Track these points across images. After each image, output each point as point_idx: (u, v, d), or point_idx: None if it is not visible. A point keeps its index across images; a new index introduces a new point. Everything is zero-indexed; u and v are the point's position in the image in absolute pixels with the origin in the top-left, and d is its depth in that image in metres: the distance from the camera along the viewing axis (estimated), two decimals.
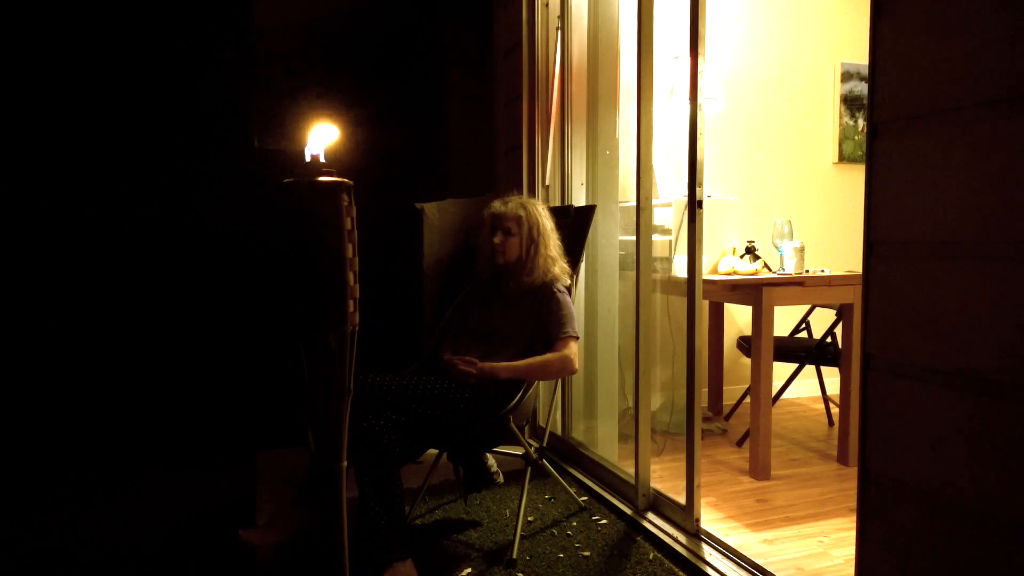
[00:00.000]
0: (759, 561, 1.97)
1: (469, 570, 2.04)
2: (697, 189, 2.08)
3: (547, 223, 2.40)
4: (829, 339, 3.17)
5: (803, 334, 3.63)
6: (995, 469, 1.06)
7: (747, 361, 3.67)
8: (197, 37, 3.26)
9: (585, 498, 2.55)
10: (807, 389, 3.94)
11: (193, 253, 3.27)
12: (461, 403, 2.12)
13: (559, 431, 3.09)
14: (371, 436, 1.94)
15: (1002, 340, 1.04)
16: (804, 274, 2.92)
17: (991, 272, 1.06)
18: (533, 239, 2.34)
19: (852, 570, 1.34)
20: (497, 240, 2.33)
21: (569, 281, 2.45)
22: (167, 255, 3.24)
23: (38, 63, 3.05)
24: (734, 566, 1.96)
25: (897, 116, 1.20)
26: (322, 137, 1.34)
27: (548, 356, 2.25)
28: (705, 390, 3.77)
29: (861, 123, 4.08)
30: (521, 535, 2.22)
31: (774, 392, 3.04)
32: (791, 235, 3.05)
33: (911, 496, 1.20)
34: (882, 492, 1.25)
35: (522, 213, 2.35)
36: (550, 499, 2.57)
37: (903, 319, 1.20)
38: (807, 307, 3.60)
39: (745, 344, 3.49)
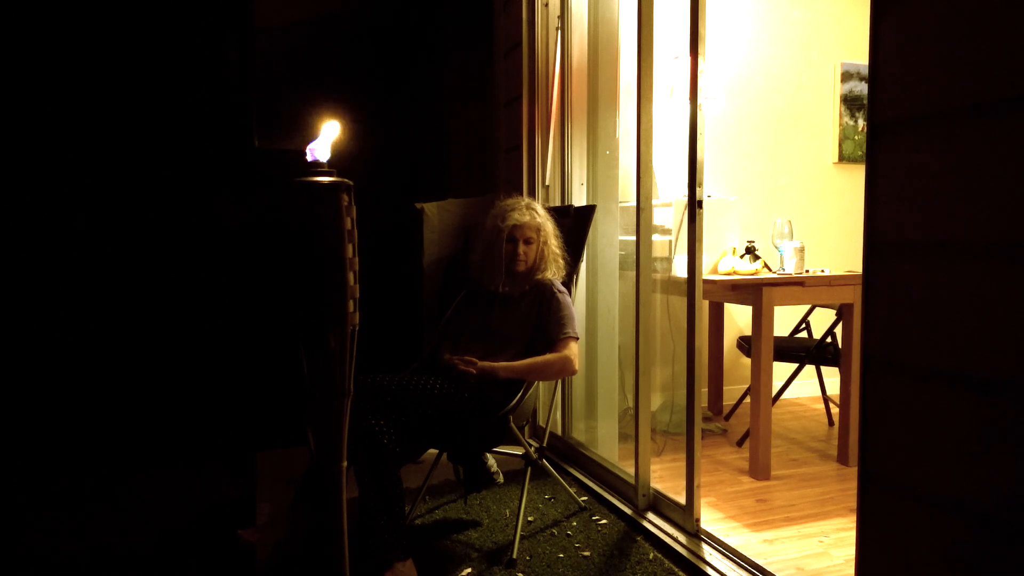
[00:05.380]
0: (759, 561, 1.97)
1: (469, 570, 2.04)
2: (697, 189, 2.08)
3: (552, 224, 2.44)
4: (829, 339, 3.17)
5: (803, 334, 3.63)
6: (995, 469, 1.06)
7: (747, 361, 3.67)
8: (198, 37, 3.26)
9: (585, 498, 2.55)
10: (807, 389, 3.94)
11: (193, 253, 3.28)
12: (461, 403, 2.12)
13: (559, 431, 3.09)
14: (371, 436, 1.94)
15: (1002, 340, 1.04)
16: (804, 274, 2.92)
17: (991, 272, 1.06)
18: (547, 242, 2.40)
19: (852, 570, 1.34)
20: (521, 251, 2.35)
21: (570, 280, 2.46)
22: (167, 254, 3.24)
23: (40, 63, 3.05)
24: (734, 566, 1.96)
25: (897, 116, 1.20)
26: (327, 137, 1.34)
27: (548, 356, 2.25)
28: (705, 390, 3.77)
29: (861, 123, 4.08)
30: (521, 535, 2.22)
31: (774, 392, 3.04)
32: (791, 235, 3.05)
33: (911, 496, 1.20)
34: (882, 492, 1.25)
35: (540, 220, 2.39)
36: (550, 499, 2.57)
37: (903, 319, 1.20)
38: (807, 307, 3.60)
39: (745, 344, 3.49)
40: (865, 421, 1.28)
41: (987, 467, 1.07)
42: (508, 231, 2.35)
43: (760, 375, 2.76)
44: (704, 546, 2.09)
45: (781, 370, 3.18)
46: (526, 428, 2.92)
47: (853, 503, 1.34)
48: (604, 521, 2.36)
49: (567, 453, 2.97)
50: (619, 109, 3.00)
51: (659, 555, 2.11)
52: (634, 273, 2.37)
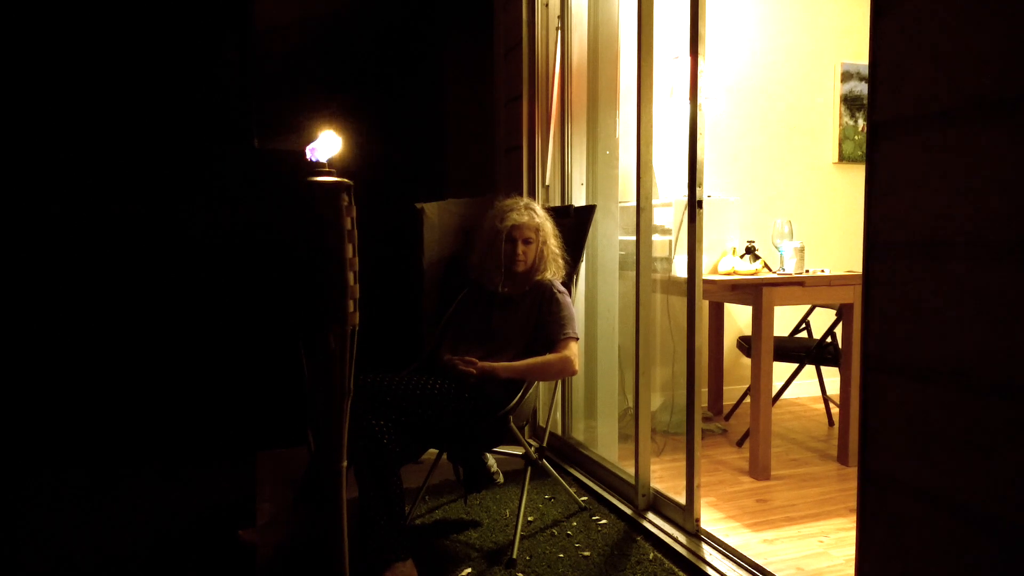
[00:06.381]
0: (759, 561, 1.97)
1: (469, 570, 2.04)
2: (697, 189, 2.08)
3: (551, 224, 2.44)
4: (829, 339, 3.17)
5: (803, 334, 3.63)
6: (995, 469, 1.06)
7: (747, 361, 3.67)
8: (197, 37, 3.26)
9: (585, 498, 2.55)
10: (807, 389, 3.94)
11: (193, 253, 3.28)
12: (461, 403, 2.12)
13: (559, 431, 3.09)
14: (371, 436, 1.94)
15: (1002, 340, 1.04)
16: (804, 274, 2.92)
17: (991, 272, 1.06)
18: (546, 242, 2.40)
19: (852, 570, 1.34)
20: (520, 251, 2.35)
21: (570, 280, 2.46)
22: (167, 254, 3.24)
23: (40, 63, 3.05)
24: (734, 566, 1.96)
25: (897, 116, 1.20)
26: (327, 146, 1.34)
27: (548, 357, 2.25)
28: (705, 390, 3.76)
29: (861, 123, 4.08)
30: (521, 535, 2.22)
31: (774, 392, 3.04)
32: (791, 235, 3.05)
33: (911, 496, 1.20)
34: (882, 492, 1.25)
35: (539, 220, 2.39)
36: (550, 499, 2.57)
37: (903, 319, 1.20)
38: (807, 307, 3.60)
39: (745, 344, 3.49)
40: (865, 421, 1.28)
41: (987, 467, 1.07)
42: (507, 231, 2.35)
43: (760, 375, 2.76)
44: (704, 546, 2.09)
45: (781, 370, 3.18)
46: (526, 428, 2.92)
47: (853, 503, 1.34)
48: (604, 521, 2.36)
49: (567, 453, 2.97)
50: (619, 109, 3.00)
51: (659, 555, 2.11)
52: (634, 273, 2.37)
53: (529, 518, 2.40)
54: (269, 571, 2.06)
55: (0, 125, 3.03)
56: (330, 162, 1.32)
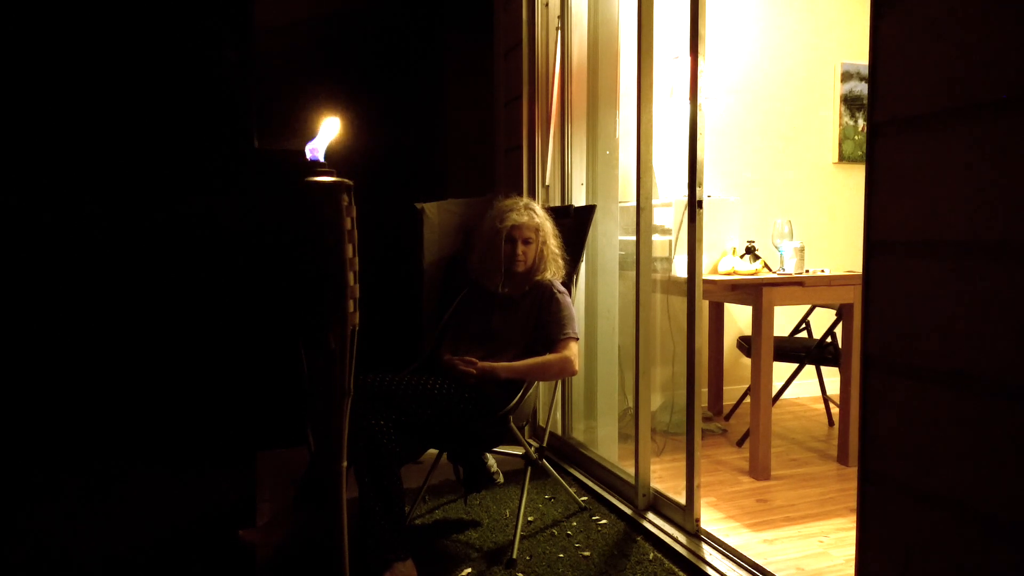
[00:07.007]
0: (759, 561, 1.97)
1: (469, 570, 2.04)
2: (697, 189, 2.08)
3: (550, 224, 2.44)
4: (829, 339, 3.17)
5: (803, 334, 3.63)
6: (995, 469, 1.06)
7: (747, 361, 3.67)
8: (198, 37, 3.26)
9: (585, 498, 2.55)
10: (807, 389, 3.94)
11: (193, 253, 3.28)
12: (461, 403, 2.12)
13: (559, 431, 3.09)
14: (371, 436, 1.94)
15: (1001, 340, 1.04)
16: (804, 274, 2.92)
17: (990, 272, 1.06)
18: (545, 242, 2.40)
19: (852, 570, 1.34)
20: (520, 251, 2.35)
21: (569, 280, 2.46)
22: (167, 255, 3.24)
23: (39, 63, 3.05)
24: (734, 566, 1.96)
25: (897, 116, 1.20)
26: (326, 134, 1.33)
27: (548, 357, 2.25)
28: (705, 390, 3.76)
29: (861, 123, 4.08)
30: (521, 535, 2.22)
31: (774, 392, 3.04)
32: (791, 235, 3.05)
33: (911, 496, 1.20)
34: (882, 492, 1.25)
35: (539, 220, 2.39)
36: (550, 499, 2.57)
37: (903, 319, 1.20)
38: (807, 307, 3.60)
39: (745, 344, 3.49)
40: (865, 421, 1.28)
41: (986, 467, 1.07)
42: (507, 231, 2.35)
43: (760, 375, 2.76)
44: (704, 546, 2.09)
45: (781, 370, 3.18)
46: (526, 428, 2.92)
47: (853, 503, 1.34)
48: (604, 521, 2.36)
49: (567, 453, 2.97)
50: (619, 109, 3.00)
51: (659, 555, 2.11)
52: (634, 273, 2.37)
53: (529, 518, 2.40)
54: (269, 571, 2.06)
55: (0, 125, 3.03)
56: (330, 161, 1.32)
